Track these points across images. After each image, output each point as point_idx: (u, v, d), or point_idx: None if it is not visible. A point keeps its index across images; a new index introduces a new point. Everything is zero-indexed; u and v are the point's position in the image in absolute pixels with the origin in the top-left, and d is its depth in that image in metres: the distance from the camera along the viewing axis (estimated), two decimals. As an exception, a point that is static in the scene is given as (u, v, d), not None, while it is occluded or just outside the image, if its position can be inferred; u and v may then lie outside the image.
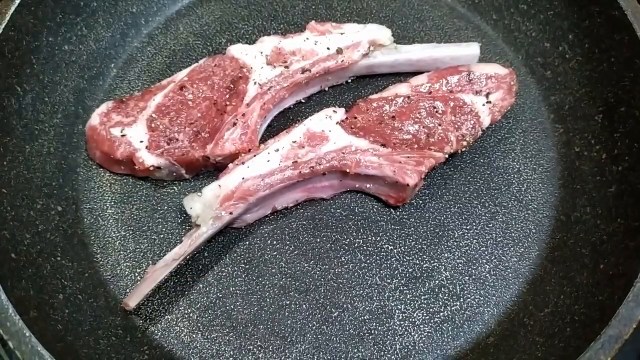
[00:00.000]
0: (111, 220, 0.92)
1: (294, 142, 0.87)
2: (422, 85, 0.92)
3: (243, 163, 0.85)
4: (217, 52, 1.05)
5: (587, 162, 0.94)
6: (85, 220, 0.92)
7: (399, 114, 0.89)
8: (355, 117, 0.89)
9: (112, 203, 0.93)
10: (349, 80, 1.02)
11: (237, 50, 0.95)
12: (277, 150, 0.86)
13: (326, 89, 1.01)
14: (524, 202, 0.93)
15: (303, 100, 1.00)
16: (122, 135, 0.90)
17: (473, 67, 0.94)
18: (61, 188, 0.92)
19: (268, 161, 0.85)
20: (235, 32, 1.08)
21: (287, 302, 0.86)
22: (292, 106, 1.00)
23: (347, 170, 0.86)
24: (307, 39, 0.95)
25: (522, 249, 0.90)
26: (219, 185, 0.83)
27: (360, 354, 0.83)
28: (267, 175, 0.84)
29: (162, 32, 1.08)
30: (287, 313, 0.85)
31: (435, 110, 0.90)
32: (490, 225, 0.91)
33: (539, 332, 0.82)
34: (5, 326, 0.70)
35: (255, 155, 0.86)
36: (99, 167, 0.95)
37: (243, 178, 0.84)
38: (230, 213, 0.83)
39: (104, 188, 0.94)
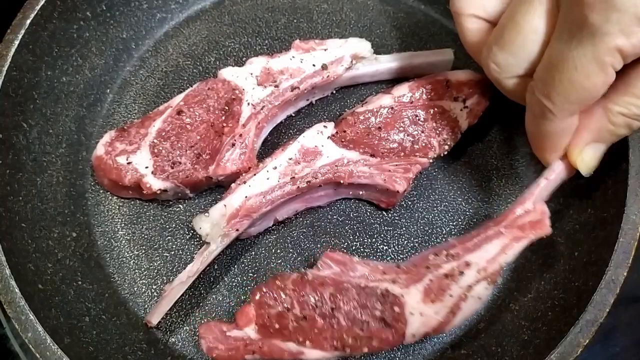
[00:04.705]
0: (123, 242, 0.97)
1: (290, 158, 0.93)
2: (404, 96, 0.97)
3: (245, 182, 0.91)
4: (206, 71, 1.10)
5: (558, 155, 1.00)
6: (99, 243, 0.97)
7: (385, 124, 0.96)
8: (345, 131, 0.95)
9: (123, 225, 0.98)
10: (334, 91, 1.07)
11: (228, 73, 0.99)
12: (275, 167, 0.92)
13: (313, 101, 1.06)
14: (503, 196, 1.00)
15: (293, 114, 1.06)
16: (128, 163, 0.95)
17: (449, 75, 1.00)
18: (73, 215, 0.97)
19: (268, 179, 0.91)
20: (223, 50, 1.11)
21: (295, 306, 0.93)
22: (283, 120, 1.05)
23: (341, 181, 0.93)
24: (293, 57, 1.00)
25: (504, 240, 0.97)
26: (224, 205, 0.89)
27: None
28: (268, 192, 0.90)
29: (152, 54, 1.11)
30: (295, 316, 0.92)
31: (417, 118, 0.96)
32: (474, 220, 0.98)
33: (524, 316, 0.89)
34: (46, 356, 0.76)
35: (255, 174, 0.92)
36: (106, 192, 1.00)
37: (246, 197, 0.90)
38: (237, 230, 0.90)
39: (114, 211, 0.99)
